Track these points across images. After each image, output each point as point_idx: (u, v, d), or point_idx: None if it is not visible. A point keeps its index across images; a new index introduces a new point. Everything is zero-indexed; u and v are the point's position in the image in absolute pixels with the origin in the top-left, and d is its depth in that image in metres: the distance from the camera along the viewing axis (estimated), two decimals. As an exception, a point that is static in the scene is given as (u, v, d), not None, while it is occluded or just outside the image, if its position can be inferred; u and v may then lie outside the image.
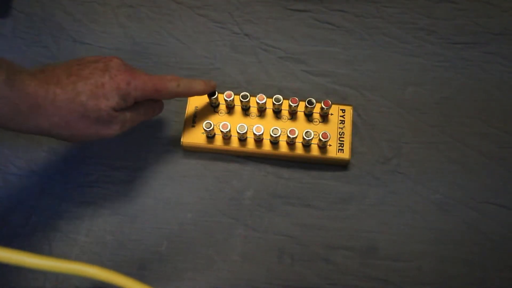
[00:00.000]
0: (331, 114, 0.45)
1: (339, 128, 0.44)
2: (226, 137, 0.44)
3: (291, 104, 0.43)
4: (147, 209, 0.43)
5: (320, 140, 0.42)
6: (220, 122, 0.44)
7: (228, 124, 0.43)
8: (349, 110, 0.45)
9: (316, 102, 0.43)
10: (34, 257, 0.27)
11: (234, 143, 0.44)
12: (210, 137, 0.44)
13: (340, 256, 0.42)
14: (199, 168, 0.45)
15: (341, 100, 0.47)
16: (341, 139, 0.44)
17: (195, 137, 0.44)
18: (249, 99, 0.44)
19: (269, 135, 0.43)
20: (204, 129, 0.42)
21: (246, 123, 0.44)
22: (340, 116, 0.45)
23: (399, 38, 0.50)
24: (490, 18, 0.51)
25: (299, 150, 0.43)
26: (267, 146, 0.44)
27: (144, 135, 0.46)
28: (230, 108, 0.45)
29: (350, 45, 0.50)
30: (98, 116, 0.36)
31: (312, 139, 0.42)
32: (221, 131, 0.43)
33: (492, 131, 0.46)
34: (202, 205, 0.44)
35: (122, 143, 0.46)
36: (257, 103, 0.43)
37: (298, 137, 0.43)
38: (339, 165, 0.44)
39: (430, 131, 0.46)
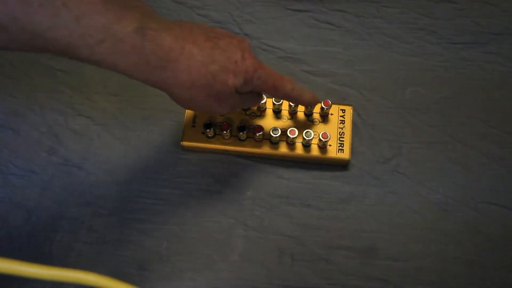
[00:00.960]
0: (331, 114, 0.45)
1: (339, 128, 0.44)
2: (226, 137, 0.44)
3: (291, 104, 0.43)
4: (147, 209, 0.43)
5: (320, 140, 0.42)
6: (220, 122, 0.44)
7: (228, 124, 0.43)
8: (349, 110, 0.45)
9: None
10: (30, 267, 0.27)
11: (234, 143, 0.44)
12: (210, 137, 0.44)
13: (340, 256, 0.42)
14: (199, 168, 0.45)
15: (341, 100, 0.47)
16: (341, 139, 0.44)
17: (195, 137, 0.44)
18: None
19: (269, 135, 0.43)
20: (204, 129, 0.42)
21: (246, 123, 0.44)
22: (340, 116, 0.45)
23: (399, 38, 0.50)
24: (490, 18, 0.51)
25: (299, 150, 0.43)
26: (267, 146, 0.44)
27: (144, 135, 0.46)
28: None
29: (350, 45, 0.50)
30: (221, 91, 0.35)
31: (312, 139, 0.42)
32: (221, 131, 0.43)
33: (492, 131, 0.46)
34: (202, 205, 0.44)
35: (122, 143, 0.46)
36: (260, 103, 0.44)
37: (298, 137, 0.43)
38: (339, 165, 0.44)
39: (430, 131, 0.46)
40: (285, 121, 0.45)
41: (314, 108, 0.44)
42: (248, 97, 0.39)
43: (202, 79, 0.33)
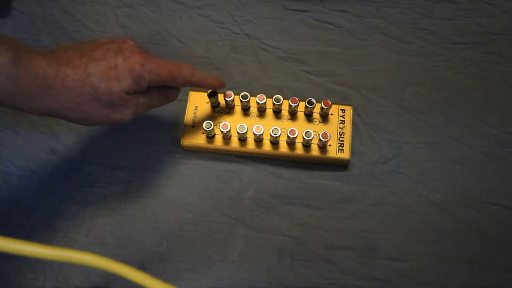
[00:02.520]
0: (331, 114, 0.45)
1: (339, 128, 0.44)
2: (226, 137, 0.44)
3: (291, 104, 0.43)
4: (147, 209, 0.43)
5: (320, 140, 0.42)
6: (220, 122, 0.44)
7: (228, 124, 0.43)
8: (349, 110, 0.45)
9: (316, 102, 0.43)
10: (34, 246, 0.27)
11: (234, 143, 0.44)
12: (210, 137, 0.44)
13: (340, 256, 0.42)
14: (199, 168, 0.45)
15: (341, 100, 0.47)
16: (341, 139, 0.44)
17: (195, 137, 0.44)
18: (249, 99, 0.44)
19: (269, 135, 0.43)
20: (204, 129, 0.42)
21: (246, 123, 0.44)
22: (340, 116, 0.45)
23: (399, 38, 0.50)
24: (490, 18, 0.51)
25: (299, 150, 0.43)
26: (267, 146, 0.44)
27: (144, 135, 0.46)
28: (230, 108, 0.45)
29: (350, 45, 0.50)
30: (109, 99, 0.34)
31: (312, 139, 0.42)
32: (221, 131, 0.43)
33: (492, 131, 0.46)
34: (202, 205, 0.44)
35: (122, 143, 0.46)
36: (257, 103, 0.43)
37: (298, 137, 0.43)
38: (339, 165, 0.44)
39: (430, 131, 0.46)
40: (285, 121, 0.45)
41: (314, 108, 0.44)
42: (155, 94, 0.38)
43: (85, 95, 0.34)
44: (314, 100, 0.43)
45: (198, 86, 0.41)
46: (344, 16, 0.52)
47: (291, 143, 0.43)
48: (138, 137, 0.46)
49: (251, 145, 0.44)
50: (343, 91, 0.48)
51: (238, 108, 0.45)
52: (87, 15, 0.52)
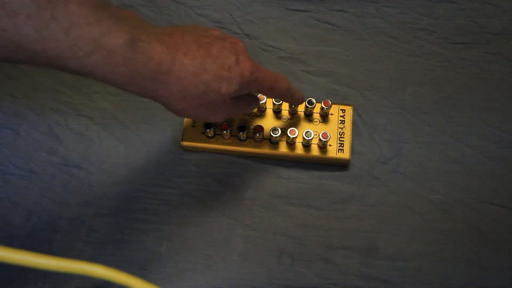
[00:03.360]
0: (331, 114, 0.45)
1: (339, 128, 0.44)
2: (226, 137, 0.44)
3: (291, 104, 0.43)
4: (147, 209, 0.43)
5: (320, 140, 0.42)
6: (220, 122, 0.44)
7: (228, 124, 0.43)
8: (349, 110, 0.45)
9: (316, 102, 0.43)
10: (38, 257, 0.27)
11: (234, 143, 0.44)
12: (210, 137, 0.44)
13: (340, 256, 0.42)
14: (199, 168, 0.45)
15: (341, 100, 0.47)
16: (341, 139, 0.44)
17: (195, 137, 0.44)
18: None
19: (269, 135, 0.43)
20: (204, 129, 0.42)
21: (246, 123, 0.44)
22: (340, 116, 0.45)
23: (399, 38, 0.50)
24: (490, 18, 0.51)
25: (299, 150, 0.43)
26: (267, 146, 0.44)
27: (144, 135, 0.46)
28: None
29: (350, 45, 0.50)
30: (214, 99, 0.34)
31: (312, 139, 0.42)
32: (221, 131, 0.43)
33: (492, 131, 0.46)
34: (202, 205, 0.44)
35: (122, 143, 0.46)
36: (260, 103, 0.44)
37: (298, 137, 0.43)
38: (339, 165, 0.44)
39: (430, 131, 0.46)
40: (285, 121, 0.45)
41: (314, 108, 0.44)
42: (243, 101, 0.38)
43: (195, 90, 0.33)
44: (314, 100, 0.43)
45: (286, 100, 0.41)
46: (344, 16, 0.51)
47: (291, 143, 0.43)
48: (138, 137, 0.46)
49: (251, 145, 0.44)
50: (343, 91, 0.48)
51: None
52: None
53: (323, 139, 0.42)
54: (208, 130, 0.42)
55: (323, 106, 0.43)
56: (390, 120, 0.47)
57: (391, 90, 0.48)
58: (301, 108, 0.45)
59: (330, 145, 0.43)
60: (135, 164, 0.45)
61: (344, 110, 0.45)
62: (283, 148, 0.43)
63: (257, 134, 0.42)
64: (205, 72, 0.33)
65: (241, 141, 0.44)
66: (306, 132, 0.42)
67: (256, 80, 0.35)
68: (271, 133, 0.42)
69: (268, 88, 0.37)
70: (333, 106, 0.45)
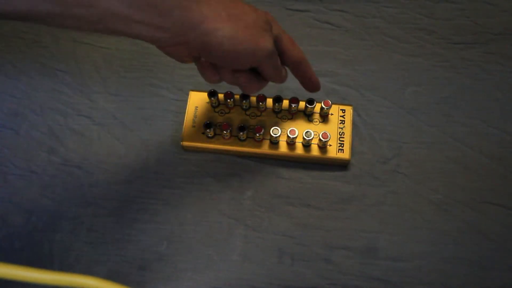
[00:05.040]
0: (331, 114, 0.45)
1: (339, 128, 0.44)
2: (226, 137, 0.44)
3: (291, 104, 0.43)
4: (147, 209, 0.43)
5: (320, 140, 0.42)
6: (220, 122, 0.44)
7: (228, 124, 0.43)
8: (349, 110, 0.45)
9: (316, 102, 0.43)
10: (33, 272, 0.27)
11: (234, 143, 0.44)
12: (210, 137, 0.44)
13: (340, 256, 0.42)
14: (199, 168, 0.45)
15: (341, 100, 0.47)
16: (341, 139, 0.44)
17: (195, 137, 0.44)
18: (249, 99, 0.44)
19: (269, 135, 0.43)
20: (204, 129, 0.42)
21: (246, 123, 0.44)
22: (340, 116, 0.45)
23: (399, 38, 0.50)
24: (490, 18, 0.51)
25: (299, 150, 0.43)
26: (267, 146, 0.44)
27: (144, 135, 0.46)
28: (230, 108, 0.45)
29: (350, 45, 0.50)
30: (256, 18, 0.33)
31: (312, 139, 0.42)
32: (221, 131, 0.43)
33: (492, 131, 0.46)
34: (202, 205, 0.44)
35: (122, 143, 0.46)
36: (257, 103, 0.43)
37: (298, 137, 0.43)
38: (339, 165, 0.44)
39: (430, 131, 0.46)
40: (285, 121, 0.45)
41: (314, 108, 0.44)
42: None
43: (237, 7, 0.32)
44: (314, 100, 0.43)
45: (277, 73, 0.39)
46: (344, 16, 0.51)
47: (291, 143, 0.43)
48: (138, 137, 0.46)
49: (251, 145, 0.44)
50: (343, 91, 0.48)
51: (238, 108, 0.45)
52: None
53: (323, 139, 0.42)
54: (208, 130, 0.42)
55: (323, 106, 0.43)
56: (390, 120, 0.47)
57: (391, 90, 0.48)
58: (301, 108, 0.45)
59: (330, 145, 0.43)
60: (135, 164, 0.45)
61: (344, 110, 0.45)
62: (283, 148, 0.43)
63: (257, 134, 0.42)
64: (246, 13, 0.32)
65: (241, 141, 0.44)
66: (306, 132, 0.42)
67: (270, 60, 0.35)
68: (271, 133, 0.42)
69: (291, 44, 0.37)
70: (333, 106, 0.45)
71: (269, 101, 0.44)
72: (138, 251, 0.42)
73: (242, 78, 0.37)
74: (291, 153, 0.43)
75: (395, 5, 0.52)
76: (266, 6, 0.52)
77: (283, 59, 0.38)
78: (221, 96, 0.45)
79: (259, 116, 0.45)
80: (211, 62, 0.36)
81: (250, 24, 0.32)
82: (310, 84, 0.41)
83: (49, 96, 0.48)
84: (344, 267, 0.41)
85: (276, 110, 0.45)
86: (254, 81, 0.38)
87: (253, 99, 0.44)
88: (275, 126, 0.43)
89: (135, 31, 0.30)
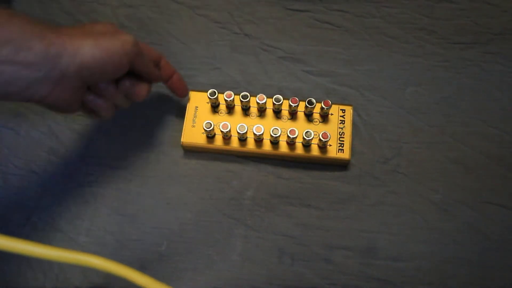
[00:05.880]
0: (331, 114, 0.45)
1: (339, 128, 0.44)
2: (226, 137, 0.44)
3: (291, 104, 0.43)
4: (147, 209, 0.43)
5: (320, 140, 0.42)
6: (220, 122, 0.44)
7: (228, 124, 0.43)
8: (349, 110, 0.45)
9: (316, 102, 0.43)
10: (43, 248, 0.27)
11: (234, 143, 0.44)
12: (210, 137, 0.44)
13: (340, 256, 0.42)
14: (199, 168, 0.45)
15: (341, 100, 0.47)
16: (341, 139, 0.44)
17: (195, 137, 0.44)
18: (249, 99, 0.44)
19: (269, 135, 0.43)
20: (204, 129, 0.42)
21: (246, 123, 0.44)
22: (340, 116, 0.45)
23: (399, 38, 0.50)
24: (490, 18, 0.51)
25: (299, 150, 0.43)
26: (267, 146, 0.44)
27: (144, 135, 0.46)
28: (230, 108, 0.45)
29: (350, 45, 0.50)
30: (108, 29, 0.36)
31: (312, 139, 0.42)
32: (221, 131, 0.43)
33: (492, 131, 0.46)
34: (202, 205, 0.44)
35: (122, 143, 0.46)
36: (257, 103, 0.43)
37: (298, 137, 0.43)
38: (339, 165, 0.44)
39: (430, 131, 0.46)
40: (285, 121, 0.44)
41: (314, 108, 0.44)
42: (128, 80, 0.39)
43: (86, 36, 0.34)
44: (314, 100, 0.43)
45: (168, 79, 0.43)
46: (344, 16, 0.51)
47: (291, 143, 0.43)
48: (138, 137, 0.46)
49: (251, 145, 0.44)
50: (343, 91, 0.48)
51: (238, 108, 0.45)
52: (87, 15, 0.52)
53: (323, 139, 0.42)
54: (208, 130, 0.42)
55: (323, 106, 0.43)
56: (390, 120, 0.47)
57: (391, 90, 0.48)
58: (301, 108, 0.45)
59: (330, 145, 0.43)
60: (135, 164, 0.45)
61: (344, 110, 0.45)
62: (283, 148, 0.43)
63: (257, 134, 0.42)
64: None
65: (241, 141, 0.44)
66: (306, 132, 0.42)
67: (139, 52, 0.37)
68: (271, 133, 0.42)
69: (155, 60, 0.40)
70: (333, 106, 0.44)
71: (269, 101, 0.44)
72: (138, 251, 0.42)
73: (125, 83, 0.38)
74: (291, 153, 0.43)
75: (395, 5, 0.52)
76: (266, 6, 0.52)
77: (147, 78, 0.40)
78: (221, 96, 0.45)
79: (259, 116, 0.45)
80: (94, 93, 0.37)
81: (106, 31, 0.35)
82: (179, 92, 0.44)
83: (49, 96, 0.48)
84: (344, 267, 0.41)
85: (276, 110, 0.44)
86: (138, 83, 0.39)
87: (253, 99, 0.44)
88: (275, 126, 0.43)
89: (4, 76, 0.30)
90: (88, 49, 0.33)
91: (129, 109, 0.47)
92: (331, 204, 0.43)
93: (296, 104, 0.43)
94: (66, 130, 0.46)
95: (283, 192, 0.44)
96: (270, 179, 0.44)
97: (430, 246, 0.42)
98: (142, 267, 0.41)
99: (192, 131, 0.44)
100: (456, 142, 0.46)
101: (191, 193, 0.44)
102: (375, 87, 0.48)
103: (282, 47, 0.50)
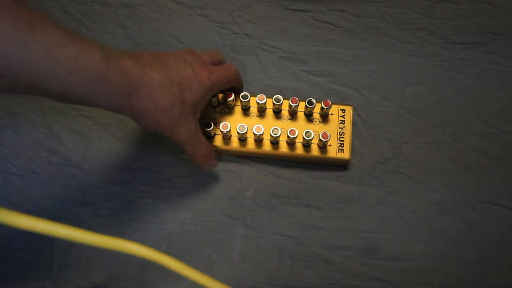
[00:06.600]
0: (331, 114, 0.45)
1: (339, 128, 0.44)
2: (226, 137, 0.44)
3: (291, 104, 0.43)
4: (147, 209, 0.43)
5: (320, 140, 0.42)
6: (220, 122, 0.44)
7: (228, 124, 0.43)
8: (349, 110, 0.45)
9: (316, 102, 0.43)
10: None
11: (234, 143, 0.44)
12: (210, 137, 0.44)
13: (340, 256, 0.42)
14: (199, 168, 0.45)
15: (341, 100, 0.47)
16: (341, 139, 0.44)
17: None
18: (249, 99, 0.44)
19: (269, 135, 0.43)
20: (204, 129, 0.42)
21: (246, 123, 0.44)
22: (340, 116, 0.45)
23: (399, 38, 0.50)
24: (490, 18, 0.51)
25: (299, 150, 0.43)
26: (267, 146, 0.44)
27: (144, 135, 0.46)
28: (230, 108, 0.45)
29: (350, 45, 0.50)
30: (181, 110, 0.36)
31: (312, 139, 0.42)
32: (221, 131, 0.43)
33: (492, 131, 0.46)
34: (202, 205, 0.44)
35: (122, 143, 0.46)
36: (257, 103, 0.43)
37: (298, 137, 0.43)
38: (339, 165, 0.44)
39: (430, 131, 0.46)
40: (285, 121, 0.44)
41: (314, 108, 0.44)
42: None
43: (164, 100, 0.35)
44: (314, 100, 0.43)
45: (238, 84, 0.44)
46: (344, 16, 0.51)
47: (291, 143, 0.43)
48: (138, 137, 0.46)
49: (251, 145, 0.44)
50: (343, 91, 0.48)
51: (238, 108, 0.45)
52: (87, 15, 0.52)
53: (323, 139, 0.42)
54: (208, 130, 0.42)
55: (323, 106, 0.43)
56: (390, 120, 0.47)
57: (391, 90, 0.48)
58: (301, 108, 0.45)
59: (330, 145, 0.43)
60: (135, 164, 0.45)
61: (344, 110, 0.45)
62: (283, 148, 0.43)
63: (257, 134, 0.42)
64: (171, 83, 0.35)
65: (241, 141, 0.44)
66: (306, 132, 0.42)
67: (214, 83, 0.39)
68: (271, 133, 0.42)
69: (226, 83, 0.41)
70: (333, 106, 0.44)
71: (269, 101, 0.44)
72: (138, 251, 0.42)
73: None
74: (291, 153, 0.43)
75: (395, 5, 0.52)
76: (266, 6, 0.52)
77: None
78: (221, 96, 0.45)
79: (259, 116, 0.45)
80: None
81: (174, 116, 0.36)
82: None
83: (49, 96, 0.48)
84: (344, 267, 0.41)
85: (276, 110, 0.44)
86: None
87: (253, 99, 0.44)
88: (275, 126, 0.43)
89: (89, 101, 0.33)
90: (146, 121, 0.36)
91: (129, 109, 0.47)
92: (331, 204, 0.43)
93: (296, 104, 0.43)
94: (66, 130, 0.46)
95: (283, 192, 0.44)
96: (270, 179, 0.44)
97: (430, 246, 0.42)
98: (142, 267, 0.41)
99: None
100: (456, 142, 0.46)
101: (191, 193, 0.44)
102: (375, 87, 0.48)
103: (282, 47, 0.50)
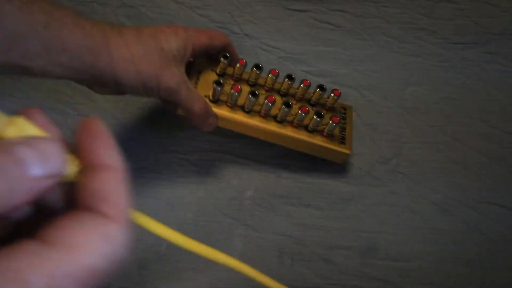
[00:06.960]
0: (334, 109, 0.44)
1: (341, 122, 0.43)
2: (231, 103, 0.40)
3: (271, 75, 0.41)
4: (147, 209, 0.43)
5: (329, 123, 0.40)
6: (231, 83, 0.41)
7: (240, 87, 0.39)
8: (350, 108, 0.45)
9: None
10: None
11: (238, 113, 0.41)
12: (213, 101, 0.41)
13: (340, 256, 0.42)
14: (199, 168, 0.45)
15: (341, 100, 0.47)
16: (342, 132, 0.43)
17: None
18: (262, 70, 0.41)
19: (279, 110, 0.40)
20: (214, 86, 0.39)
21: (257, 90, 0.41)
22: (342, 113, 0.44)
23: (399, 38, 0.50)
24: (490, 18, 0.51)
25: (303, 135, 0.41)
26: (272, 125, 0.41)
27: (144, 135, 0.46)
28: (237, 80, 0.42)
29: (350, 45, 0.50)
30: (159, 57, 0.36)
31: (320, 121, 0.40)
32: (231, 93, 0.39)
33: (492, 131, 0.46)
34: (202, 205, 0.44)
35: (122, 143, 0.46)
36: (269, 78, 0.41)
37: (308, 117, 0.41)
38: (338, 163, 0.44)
39: (430, 131, 0.46)
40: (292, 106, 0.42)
41: (324, 94, 0.41)
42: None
43: (140, 47, 0.36)
44: (325, 87, 0.41)
45: (225, 45, 0.42)
46: (344, 16, 0.52)
47: (298, 124, 0.41)
48: (138, 137, 0.46)
49: (256, 120, 0.41)
50: (343, 91, 0.48)
51: (246, 88, 0.42)
52: (87, 15, 0.51)
53: (333, 122, 0.40)
54: (218, 88, 0.39)
55: (334, 94, 0.42)
56: (390, 120, 0.47)
57: (391, 90, 0.48)
58: (307, 97, 0.43)
59: (333, 136, 0.42)
60: (135, 164, 0.45)
61: (346, 108, 0.45)
62: (288, 130, 0.41)
63: (269, 105, 0.40)
64: (145, 35, 0.36)
65: (246, 113, 0.41)
66: (317, 113, 0.40)
67: (191, 35, 0.38)
68: (283, 107, 0.39)
69: (208, 41, 0.40)
70: (334, 103, 0.44)
71: (277, 85, 0.42)
72: (138, 251, 0.42)
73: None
74: (295, 135, 0.41)
75: (395, 5, 0.52)
76: (266, 6, 0.52)
77: (212, 50, 0.41)
78: (230, 69, 0.42)
79: (263, 95, 0.42)
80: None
81: (154, 61, 0.36)
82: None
83: (49, 96, 0.48)
84: (344, 267, 0.41)
85: (283, 93, 0.43)
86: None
87: (261, 79, 0.42)
88: (288, 101, 0.40)
89: (57, 73, 0.33)
90: (127, 76, 0.36)
91: (129, 109, 0.47)
92: (331, 204, 0.43)
93: (276, 76, 0.41)
94: (66, 130, 0.46)
95: (283, 192, 0.44)
96: (270, 179, 0.44)
97: (430, 246, 0.42)
98: (142, 267, 0.41)
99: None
100: (456, 142, 0.46)
101: (191, 193, 0.44)
102: (375, 87, 0.48)
103: (282, 47, 0.50)
